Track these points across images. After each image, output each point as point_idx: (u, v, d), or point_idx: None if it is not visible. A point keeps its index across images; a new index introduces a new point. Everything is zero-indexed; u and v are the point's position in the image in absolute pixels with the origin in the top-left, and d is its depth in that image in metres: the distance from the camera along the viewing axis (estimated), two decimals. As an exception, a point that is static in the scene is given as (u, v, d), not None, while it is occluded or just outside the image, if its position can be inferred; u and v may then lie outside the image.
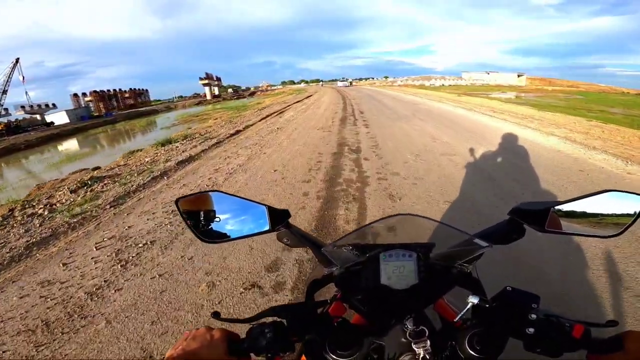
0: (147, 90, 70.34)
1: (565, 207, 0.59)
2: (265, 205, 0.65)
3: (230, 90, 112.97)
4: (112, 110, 51.58)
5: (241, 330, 0.56)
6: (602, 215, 0.59)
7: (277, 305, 0.58)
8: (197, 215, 0.64)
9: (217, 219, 0.64)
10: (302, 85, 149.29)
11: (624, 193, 0.57)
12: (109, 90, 56.33)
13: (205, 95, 66.31)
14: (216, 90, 79.96)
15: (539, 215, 0.60)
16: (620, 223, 0.58)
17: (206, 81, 68.03)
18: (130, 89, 63.56)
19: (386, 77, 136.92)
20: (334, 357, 0.55)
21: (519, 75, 52.95)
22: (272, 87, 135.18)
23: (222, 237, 0.65)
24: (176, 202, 0.63)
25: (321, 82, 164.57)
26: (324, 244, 0.75)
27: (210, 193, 0.64)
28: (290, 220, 0.71)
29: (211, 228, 0.64)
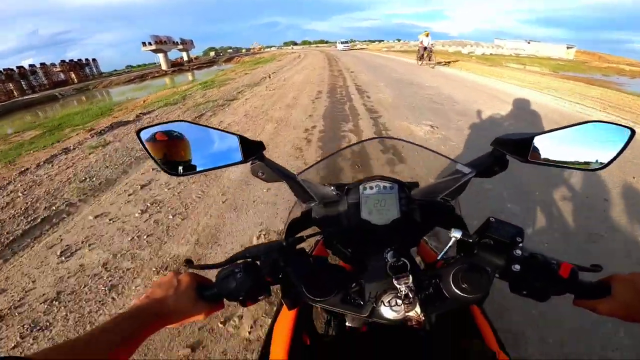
0: (94, 60, 54.49)
1: (549, 137, 0.56)
2: (237, 135, 0.60)
3: (212, 53, 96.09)
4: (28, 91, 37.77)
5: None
6: (586, 146, 0.56)
7: (251, 246, 0.56)
8: (162, 146, 0.57)
9: (184, 150, 0.58)
10: (297, 47, 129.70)
11: (609, 124, 0.55)
12: (21, 68, 40.55)
13: (161, 65, 49.96)
14: (185, 56, 63.91)
15: (521, 144, 0.57)
16: (605, 154, 0.56)
17: (153, 47, 48.37)
18: (62, 61, 47.96)
19: (398, 40, 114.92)
20: (311, 297, 0.50)
21: (568, 47, 40.11)
22: (265, 49, 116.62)
23: (189, 169, 0.60)
24: (137, 132, 0.56)
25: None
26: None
27: (177, 123, 0.58)
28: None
29: (178, 160, 0.58)
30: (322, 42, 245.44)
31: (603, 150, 0.56)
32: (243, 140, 0.60)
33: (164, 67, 48.05)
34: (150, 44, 49.34)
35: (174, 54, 68.58)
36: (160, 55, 49.01)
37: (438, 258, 0.55)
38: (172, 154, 0.58)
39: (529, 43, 45.58)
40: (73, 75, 55.52)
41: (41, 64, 45.50)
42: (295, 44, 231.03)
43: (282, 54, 40.41)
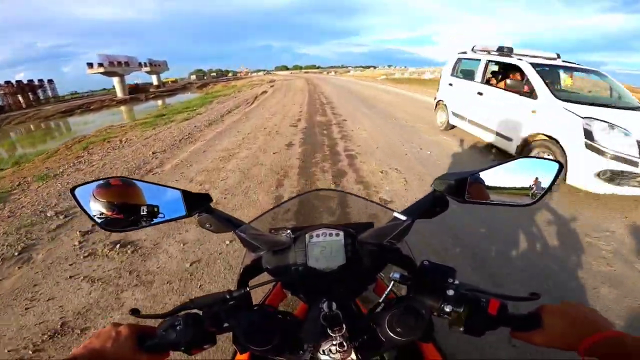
0: (50, 81, 48.03)
1: (483, 175, 0.60)
2: (179, 190, 0.61)
3: (193, 77, 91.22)
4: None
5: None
6: (518, 181, 0.60)
7: (197, 297, 0.57)
8: (99, 203, 0.57)
9: (123, 207, 0.58)
10: (282, 73, 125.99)
11: (538, 159, 0.59)
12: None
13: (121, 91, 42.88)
14: (154, 80, 57.85)
15: (457, 185, 0.60)
16: (536, 188, 0.59)
17: (102, 69, 38.95)
18: (7, 82, 40.84)
19: (390, 66, 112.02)
20: (252, 347, 0.52)
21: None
22: (252, 74, 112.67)
23: (129, 225, 0.59)
24: (72, 190, 0.55)
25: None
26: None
27: (115, 179, 0.58)
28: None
29: (116, 216, 0.58)
30: (313, 67, 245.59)
31: (534, 184, 0.59)
32: (186, 195, 0.60)
33: (119, 93, 40.63)
34: (101, 65, 40.90)
35: (142, 77, 62.69)
36: (115, 80, 41.50)
37: (380, 300, 0.56)
38: (110, 210, 0.57)
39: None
40: (21, 99, 48.70)
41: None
42: (286, 68, 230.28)
43: (258, 83, 32.45)
